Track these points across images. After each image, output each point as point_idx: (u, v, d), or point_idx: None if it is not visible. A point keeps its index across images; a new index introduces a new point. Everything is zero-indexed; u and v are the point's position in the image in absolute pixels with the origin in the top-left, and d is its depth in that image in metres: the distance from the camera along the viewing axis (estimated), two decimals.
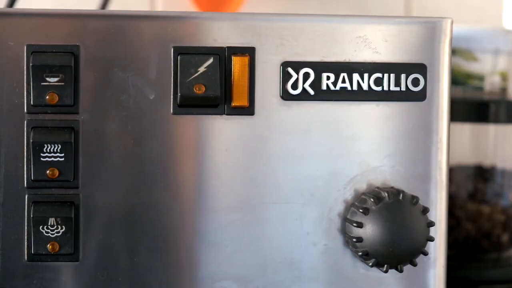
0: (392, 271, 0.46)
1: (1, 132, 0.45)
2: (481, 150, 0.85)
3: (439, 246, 0.49)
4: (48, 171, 0.45)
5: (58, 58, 0.45)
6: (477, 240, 0.74)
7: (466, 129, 0.83)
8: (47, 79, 0.45)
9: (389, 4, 0.84)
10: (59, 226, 0.45)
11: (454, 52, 0.73)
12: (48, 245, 0.45)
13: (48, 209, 0.45)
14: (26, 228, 0.46)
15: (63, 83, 0.45)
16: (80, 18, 0.46)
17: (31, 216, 0.45)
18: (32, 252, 0.46)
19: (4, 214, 0.45)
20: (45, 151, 0.45)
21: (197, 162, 0.47)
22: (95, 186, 0.46)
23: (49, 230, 0.45)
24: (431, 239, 0.47)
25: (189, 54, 0.46)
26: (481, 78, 0.75)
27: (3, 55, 0.45)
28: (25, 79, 0.45)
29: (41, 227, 0.45)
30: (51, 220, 0.45)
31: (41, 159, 0.45)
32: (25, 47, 0.45)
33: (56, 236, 0.45)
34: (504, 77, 0.75)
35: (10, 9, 0.47)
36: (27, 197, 0.46)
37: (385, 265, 0.46)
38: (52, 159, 0.45)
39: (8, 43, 0.45)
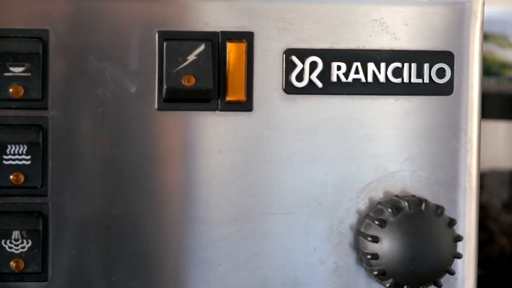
0: None
1: None
2: None
3: (468, 265, 0.50)
4: (12, 176, 0.46)
5: (24, 44, 0.46)
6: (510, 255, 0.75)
7: (500, 128, 0.84)
8: (11, 69, 0.46)
9: None
10: (25, 241, 0.46)
11: (486, 37, 0.73)
12: (11, 263, 0.46)
13: (12, 220, 0.46)
14: None
15: (29, 74, 0.46)
16: None
17: None
18: None
19: None
20: (8, 152, 0.46)
21: (185, 166, 0.48)
22: (66, 194, 0.47)
23: (12, 245, 0.46)
24: (459, 256, 0.48)
25: (176, 40, 0.47)
26: None
27: None
28: None
29: (3, 241, 0.46)
30: (15, 234, 0.46)
31: (4, 162, 0.46)
32: None
33: (21, 252, 0.46)
34: None
35: None
36: None
37: (405, 287, 0.47)
38: (17, 162, 0.46)
39: None
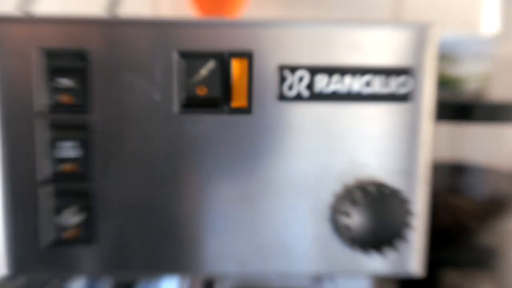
0: (376, 254, 0.52)
1: (23, 131, 0.50)
2: (459, 148, 0.90)
3: (420, 235, 0.54)
4: (65, 166, 0.50)
5: (71, 61, 0.49)
6: (451, 228, 0.80)
7: (446, 130, 0.89)
8: (62, 81, 0.49)
9: (377, 6, 0.86)
10: (77, 215, 0.50)
11: (439, 56, 0.76)
12: (68, 232, 0.50)
13: (68, 199, 0.50)
14: (46, 217, 0.50)
15: (76, 85, 0.49)
16: (89, 24, 0.50)
17: (53, 206, 0.50)
18: (53, 239, 0.50)
19: (28, 204, 0.50)
20: (62, 147, 0.50)
21: (200, 157, 0.51)
22: (108, 180, 0.51)
23: (68, 218, 0.50)
24: (412, 227, 0.52)
25: (191, 58, 0.50)
26: (461, 81, 0.78)
27: (19, 58, 0.49)
28: (41, 81, 0.49)
29: (61, 215, 0.50)
30: (70, 209, 0.50)
31: (59, 155, 0.50)
32: (40, 52, 0.49)
33: (75, 223, 0.50)
34: (484, 80, 0.78)
35: (25, 15, 0.49)
36: (48, 189, 0.50)
37: (370, 249, 0.52)
38: (69, 155, 0.50)
39: (24, 48, 0.49)
